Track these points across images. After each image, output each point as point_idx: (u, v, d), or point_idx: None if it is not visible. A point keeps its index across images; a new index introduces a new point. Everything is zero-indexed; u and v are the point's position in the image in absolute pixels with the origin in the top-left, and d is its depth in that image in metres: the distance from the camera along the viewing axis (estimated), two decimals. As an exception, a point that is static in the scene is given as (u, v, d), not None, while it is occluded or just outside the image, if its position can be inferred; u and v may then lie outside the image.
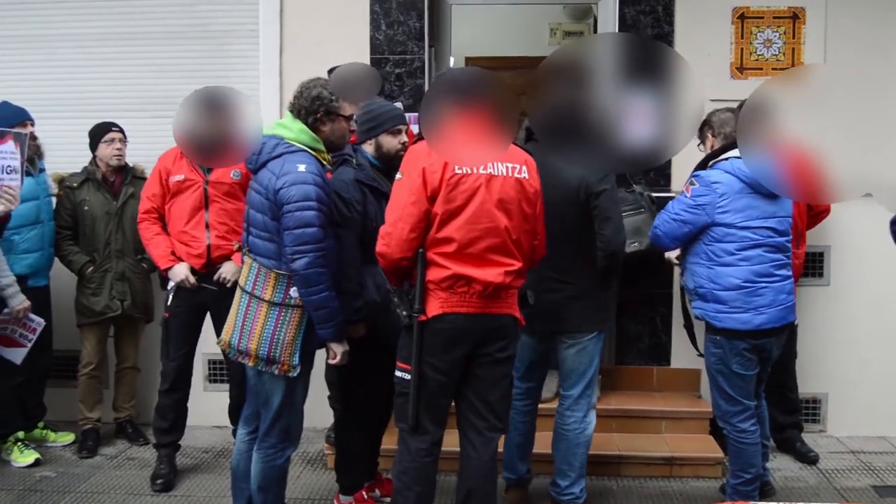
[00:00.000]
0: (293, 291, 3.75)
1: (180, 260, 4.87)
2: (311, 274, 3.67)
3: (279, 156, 3.77)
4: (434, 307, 3.54)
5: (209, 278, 4.86)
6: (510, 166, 3.57)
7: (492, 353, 3.63)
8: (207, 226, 4.86)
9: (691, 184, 4.24)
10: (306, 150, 3.81)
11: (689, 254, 4.30)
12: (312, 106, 3.85)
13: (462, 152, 3.28)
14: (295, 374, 3.81)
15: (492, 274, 3.53)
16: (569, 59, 3.09)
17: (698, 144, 4.78)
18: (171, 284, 4.88)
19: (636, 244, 5.08)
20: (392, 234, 3.52)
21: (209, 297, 4.87)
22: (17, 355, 5.06)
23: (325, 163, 3.88)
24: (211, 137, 4.00)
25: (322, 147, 3.88)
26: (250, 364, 3.84)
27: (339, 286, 3.88)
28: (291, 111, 3.90)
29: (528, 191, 3.62)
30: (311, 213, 3.66)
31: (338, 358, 3.92)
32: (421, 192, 3.48)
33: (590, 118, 3.37)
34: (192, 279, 4.83)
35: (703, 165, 4.37)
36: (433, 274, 3.54)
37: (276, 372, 3.80)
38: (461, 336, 3.57)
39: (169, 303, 4.89)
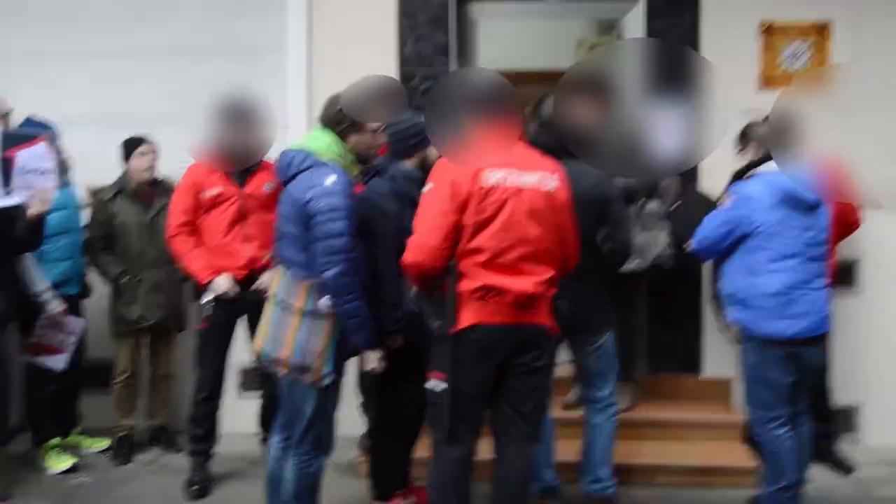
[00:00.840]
0: (324, 300, 3.76)
1: (219, 272, 4.88)
2: (342, 283, 3.69)
3: (308, 168, 3.81)
4: (467, 318, 3.53)
5: (248, 288, 4.88)
6: (539, 177, 3.59)
7: (525, 363, 3.61)
8: (247, 238, 4.91)
9: (730, 195, 4.27)
10: (335, 163, 3.85)
11: (726, 261, 4.29)
12: (338, 117, 3.89)
13: (482, 159, 3.41)
14: (327, 383, 3.82)
15: (525, 283, 3.53)
16: (595, 68, 3.15)
17: (738, 152, 4.82)
18: (207, 297, 4.88)
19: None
20: (424, 244, 3.52)
21: (248, 306, 4.86)
22: (59, 362, 5.11)
23: (353, 174, 3.92)
24: (234, 142, 4.48)
25: (350, 159, 3.91)
26: (283, 372, 3.85)
27: (376, 299, 3.90)
28: (320, 123, 3.95)
29: (558, 201, 3.63)
30: (339, 224, 3.69)
31: (373, 365, 3.93)
32: (450, 203, 3.49)
33: (618, 126, 3.50)
34: (235, 289, 4.85)
35: (740, 175, 4.40)
36: (465, 284, 3.54)
37: (309, 381, 3.82)
38: (494, 346, 3.56)
39: (209, 314, 4.89)
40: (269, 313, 3.90)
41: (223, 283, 4.85)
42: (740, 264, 4.20)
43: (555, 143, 3.98)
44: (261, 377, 5.21)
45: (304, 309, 3.79)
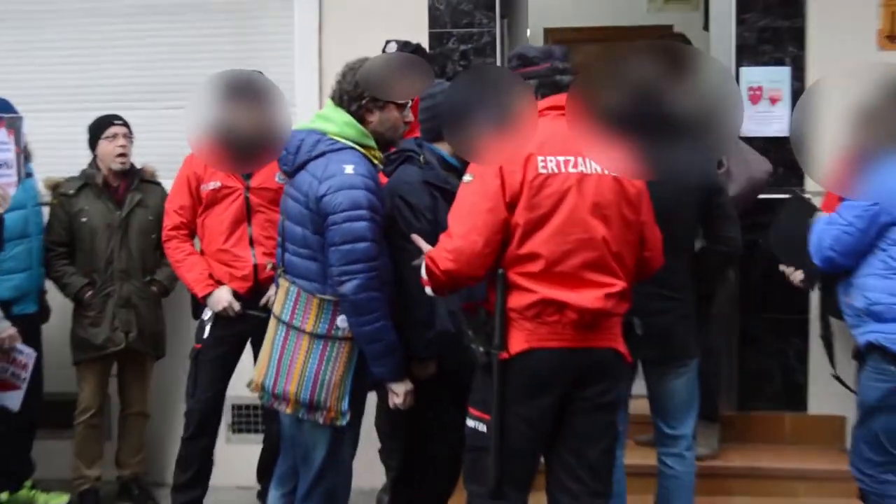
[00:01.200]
0: (340, 321, 3.74)
1: (220, 284, 4.90)
2: (363, 299, 3.66)
3: (321, 155, 3.78)
4: (518, 341, 3.47)
5: (255, 303, 4.88)
6: None
7: (591, 396, 3.54)
8: (252, 241, 4.92)
9: None
10: (354, 147, 3.81)
11: (861, 263, 4.23)
12: (356, 91, 3.83)
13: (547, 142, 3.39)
14: (343, 423, 3.79)
15: (589, 298, 3.46)
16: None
17: None
18: (207, 313, 4.90)
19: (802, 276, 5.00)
20: (462, 249, 3.44)
21: (253, 326, 4.83)
22: (14, 400, 5.07)
23: (376, 162, 3.89)
24: (239, 134, 3.96)
25: (372, 142, 3.88)
26: (288, 411, 3.83)
27: (404, 315, 3.86)
28: (333, 98, 3.90)
29: (630, 191, 3.54)
30: (361, 225, 3.66)
31: (399, 399, 3.87)
32: (498, 197, 3.44)
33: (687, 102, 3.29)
34: (237, 306, 4.87)
35: None
36: (516, 300, 3.48)
37: (321, 420, 3.79)
38: (553, 377, 3.49)
39: (206, 335, 4.92)
40: (270, 338, 3.89)
41: (223, 298, 4.87)
42: (878, 265, 4.14)
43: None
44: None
45: (314, 331, 3.78)
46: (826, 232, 4.21)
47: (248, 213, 4.92)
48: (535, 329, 3.46)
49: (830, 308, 4.55)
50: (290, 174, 3.88)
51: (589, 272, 3.46)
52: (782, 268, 4.80)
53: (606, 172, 3.47)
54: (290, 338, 3.81)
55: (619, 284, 3.52)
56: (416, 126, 4.19)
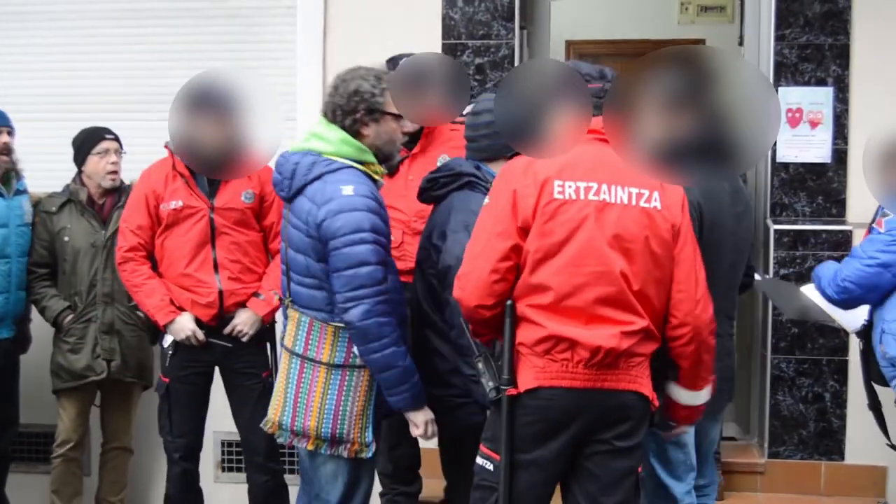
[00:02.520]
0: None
1: (181, 310, 4.78)
2: (371, 325, 3.65)
3: (318, 177, 3.75)
4: (527, 378, 3.41)
5: (219, 331, 4.82)
6: (634, 192, 3.42)
7: (609, 439, 3.45)
8: (216, 265, 4.81)
9: (884, 215, 4.16)
10: (352, 166, 3.78)
11: (887, 310, 4.21)
12: (349, 104, 3.80)
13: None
14: (369, 455, 3.82)
15: (603, 335, 3.36)
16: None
17: None
18: (167, 341, 4.82)
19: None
20: (469, 275, 3.45)
21: (220, 355, 4.85)
22: None
23: (377, 177, 3.87)
24: (213, 140, 4.14)
25: (371, 157, 3.84)
26: (309, 447, 3.83)
27: (449, 338, 3.83)
28: (325, 114, 3.88)
29: (661, 226, 3.42)
30: (363, 249, 3.64)
31: (420, 430, 3.84)
32: (509, 221, 3.40)
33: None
34: (200, 334, 4.76)
35: None
36: (525, 333, 3.42)
37: (345, 454, 3.80)
38: (564, 418, 3.41)
39: (167, 364, 4.85)
40: (284, 372, 3.89)
41: (185, 325, 4.77)
42: None
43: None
44: (246, 461, 5.12)
45: (331, 361, 3.78)
46: (846, 264, 4.27)
47: (212, 234, 4.79)
48: (545, 366, 3.40)
49: (874, 374, 4.49)
50: (289, 200, 3.86)
51: (604, 308, 3.39)
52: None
53: (634, 203, 3.41)
54: (305, 371, 3.81)
55: (639, 323, 3.42)
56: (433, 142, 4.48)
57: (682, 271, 3.50)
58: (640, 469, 3.58)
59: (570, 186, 3.37)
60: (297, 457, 5.61)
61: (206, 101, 4.03)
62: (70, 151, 5.31)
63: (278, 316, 4.83)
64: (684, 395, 3.61)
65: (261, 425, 4.03)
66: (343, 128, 3.80)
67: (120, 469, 5.56)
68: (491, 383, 3.46)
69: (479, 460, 3.53)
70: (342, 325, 3.72)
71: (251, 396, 4.81)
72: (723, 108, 3.13)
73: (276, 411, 3.89)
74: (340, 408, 3.76)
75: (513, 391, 3.40)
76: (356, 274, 3.62)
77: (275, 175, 3.88)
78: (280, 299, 4.01)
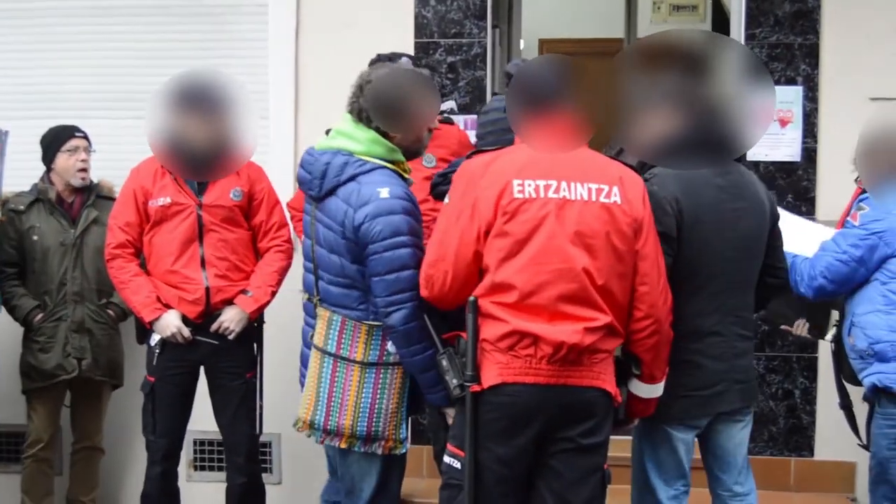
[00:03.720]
0: (391, 345, 3.75)
1: (168, 307, 4.76)
2: (413, 328, 3.65)
3: (352, 178, 3.74)
4: (491, 375, 3.43)
5: (206, 329, 4.80)
6: (593, 188, 3.46)
7: (573, 437, 3.47)
8: (203, 262, 4.80)
9: (860, 209, 4.15)
10: (384, 166, 3.77)
11: (857, 303, 4.18)
12: (377, 104, 3.77)
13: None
14: (403, 451, 3.84)
15: (565, 331, 3.39)
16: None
17: (857, 178, 4.64)
18: (154, 339, 4.78)
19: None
20: (433, 277, 3.51)
21: (205, 353, 4.83)
22: None
23: (406, 175, 3.88)
24: (199, 140, 4.31)
25: (400, 156, 3.86)
26: (342, 445, 3.84)
27: None
28: (351, 113, 3.84)
29: (622, 220, 3.47)
30: (405, 252, 3.65)
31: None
32: (469, 225, 3.45)
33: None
34: (186, 332, 4.74)
35: None
36: (489, 329, 3.44)
37: (379, 451, 3.81)
38: (528, 414, 3.43)
39: (154, 362, 4.80)
40: (315, 372, 3.87)
41: (171, 322, 4.75)
42: (879, 300, 4.13)
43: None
44: (226, 457, 5.07)
45: (365, 360, 3.79)
46: (818, 259, 4.20)
47: (200, 232, 4.78)
48: (508, 362, 3.43)
49: (845, 374, 4.46)
50: (319, 199, 3.85)
51: (567, 304, 3.42)
52: (785, 328, 4.77)
53: (594, 199, 3.45)
54: (338, 369, 3.80)
55: (602, 318, 3.46)
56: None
57: (647, 264, 3.54)
58: (605, 466, 3.58)
59: (529, 185, 3.41)
60: (270, 459, 5.69)
61: (193, 101, 4.07)
62: (39, 150, 5.29)
63: (266, 316, 4.91)
64: (644, 389, 3.66)
65: (292, 426, 4.03)
66: (372, 127, 3.80)
67: (91, 468, 5.56)
68: (455, 380, 3.49)
69: (446, 458, 3.56)
70: (376, 323, 3.73)
71: (234, 397, 4.82)
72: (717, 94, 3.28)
73: (308, 410, 3.87)
74: (376, 405, 3.77)
75: (476, 388, 3.43)
76: (398, 278, 3.62)
77: (302, 173, 3.87)
78: (309, 298, 3.98)
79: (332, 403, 3.79)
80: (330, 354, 3.81)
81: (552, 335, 3.37)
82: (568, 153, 3.47)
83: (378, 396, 3.77)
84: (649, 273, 3.55)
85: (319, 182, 3.79)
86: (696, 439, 4.05)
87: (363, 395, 3.76)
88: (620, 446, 4.44)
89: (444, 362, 3.53)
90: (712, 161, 3.69)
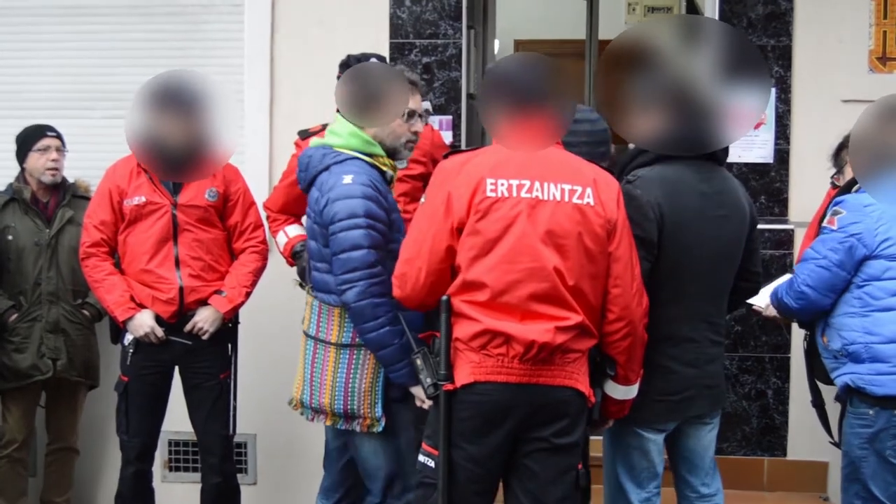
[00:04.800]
0: None
1: (142, 307, 4.76)
2: (365, 306, 3.73)
3: (326, 168, 3.91)
4: (463, 373, 3.45)
5: (180, 329, 4.80)
6: (566, 188, 3.47)
7: (547, 437, 3.48)
8: (178, 262, 4.79)
9: (836, 213, 4.15)
10: (358, 157, 3.91)
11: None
12: (342, 98, 3.96)
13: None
14: (380, 429, 3.93)
15: (537, 330, 3.40)
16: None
17: (834, 174, 4.72)
18: (128, 338, 4.78)
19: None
20: (406, 275, 3.54)
21: (179, 353, 4.83)
22: None
23: (385, 168, 4.01)
24: (178, 142, 4.39)
25: (378, 150, 3.98)
26: (328, 423, 4.03)
27: None
28: (338, 110, 4.01)
29: (594, 222, 3.47)
30: (357, 233, 3.75)
31: (426, 404, 3.84)
32: (443, 222, 3.47)
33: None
34: (160, 331, 4.74)
35: (848, 189, 4.29)
36: (461, 329, 3.47)
37: (358, 429, 3.95)
38: (500, 413, 3.45)
39: (128, 362, 4.79)
40: (302, 353, 4.06)
41: (144, 322, 4.75)
42: (855, 301, 4.13)
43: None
44: (201, 456, 5.08)
45: (339, 342, 3.93)
46: (800, 267, 4.22)
47: (174, 231, 4.77)
48: (480, 361, 3.44)
49: (818, 373, 4.48)
50: (305, 191, 4.03)
51: (538, 304, 3.44)
52: (753, 302, 4.65)
53: (567, 199, 3.46)
54: (318, 351, 3.97)
55: (574, 318, 3.46)
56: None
57: (619, 266, 3.54)
58: (580, 466, 3.59)
59: (502, 184, 3.43)
60: (245, 459, 5.69)
61: (173, 102, 4.11)
62: (13, 150, 5.29)
63: (241, 316, 4.92)
64: (619, 390, 3.67)
65: (287, 403, 4.15)
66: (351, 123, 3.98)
67: (65, 469, 5.55)
68: (429, 379, 3.51)
69: (420, 457, 3.57)
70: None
71: (208, 397, 4.82)
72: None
73: (298, 390, 4.03)
74: (350, 385, 3.88)
75: (449, 386, 3.45)
76: (349, 258, 3.73)
77: (298, 172, 4.04)
78: (302, 286, 4.13)
79: (314, 383, 3.95)
80: (311, 337, 3.98)
81: (523, 334, 3.39)
82: (542, 154, 3.49)
83: (351, 376, 3.89)
84: (622, 275, 3.55)
85: (304, 175, 3.96)
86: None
87: (338, 375, 3.90)
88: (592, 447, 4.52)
89: (419, 361, 3.56)
90: (701, 146, 3.74)
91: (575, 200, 3.45)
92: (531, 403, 3.45)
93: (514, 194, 3.43)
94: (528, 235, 3.40)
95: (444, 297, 3.48)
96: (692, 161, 3.82)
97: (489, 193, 3.42)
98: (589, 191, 3.48)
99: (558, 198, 3.45)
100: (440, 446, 3.46)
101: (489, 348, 3.42)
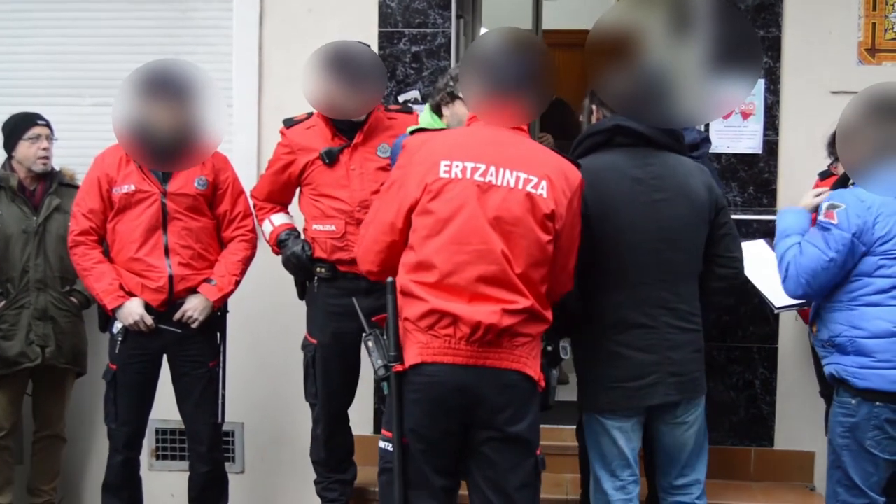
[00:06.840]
0: None
1: (131, 295, 4.76)
2: None
3: None
4: (412, 354, 3.50)
5: (169, 317, 4.80)
6: (521, 177, 3.50)
7: (498, 426, 3.51)
8: (167, 250, 4.79)
9: (833, 207, 4.13)
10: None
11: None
12: (436, 93, 4.33)
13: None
14: None
15: (484, 311, 3.44)
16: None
17: (831, 163, 4.75)
18: (117, 327, 4.78)
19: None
20: (362, 239, 3.73)
21: (168, 342, 4.82)
22: None
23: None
24: (166, 131, 4.37)
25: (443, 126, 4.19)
26: None
27: None
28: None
29: (543, 211, 3.50)
30: None
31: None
32: (393, 197, 3.57)
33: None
34: (149, 320, 4.74)
35: (843, 183, 4.29)
36: (410, 309, 3.51)
37: None
38: (448, 395, 3.48)
39: (116, 351, 4.79)
40: None
41: (134, 310, 4.74)
42: (843, 295, 4.17)
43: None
44: (189, 442, 5.08)
45: None
46: (797, 264, 4.18)
47: (164, 219, 4.77)
48: (428, 342, 3.48)
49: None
50: None
51: (486, 286, 3.47)
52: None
53: (521, 188, 3.49)
54: None
55: (522, 302, 3.49)
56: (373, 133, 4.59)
57: (562, 256, 3.62)
58: (538, 452, 3.62)
59: (457, 166, 3.48)
60: (233, 448, 5.69)
61: (161, 90, 4.11)
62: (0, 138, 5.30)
63: (230, 305, 4.94)
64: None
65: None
66: (431, 108, 4.34)
67: (52, 457, 5.55)
68: (380, 361, 3.54)
69: (381, 443, 3.60)
70: None
71: (197, 386, 4.84)
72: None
73: None
74: None
75: (399, 367, 3.49)
76: None
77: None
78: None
79: None
80: None
81: (470, 315, 3.42)
82: (506, 140, 3.54)
83: None
84: (562, 264, 3.65)
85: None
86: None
87: None
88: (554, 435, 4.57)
89: (371, 343, 3.58)
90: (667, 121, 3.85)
91: (529, 189, 3.49)
92: (478, 386, 3.47)
93: (468, 176, 3.47)
94: (477, 218, 3.44)
95: (390, 280, 3.54)
96: (630, 148, 3.88)
97: (442, 174, 3.47)
98: (544, 183, 3.51)
99: (512, 185, 3.48)
100: (394, 428, 3.50)
101: (436, 329, 3.45)
